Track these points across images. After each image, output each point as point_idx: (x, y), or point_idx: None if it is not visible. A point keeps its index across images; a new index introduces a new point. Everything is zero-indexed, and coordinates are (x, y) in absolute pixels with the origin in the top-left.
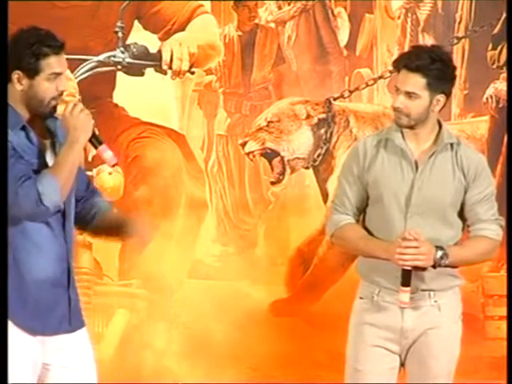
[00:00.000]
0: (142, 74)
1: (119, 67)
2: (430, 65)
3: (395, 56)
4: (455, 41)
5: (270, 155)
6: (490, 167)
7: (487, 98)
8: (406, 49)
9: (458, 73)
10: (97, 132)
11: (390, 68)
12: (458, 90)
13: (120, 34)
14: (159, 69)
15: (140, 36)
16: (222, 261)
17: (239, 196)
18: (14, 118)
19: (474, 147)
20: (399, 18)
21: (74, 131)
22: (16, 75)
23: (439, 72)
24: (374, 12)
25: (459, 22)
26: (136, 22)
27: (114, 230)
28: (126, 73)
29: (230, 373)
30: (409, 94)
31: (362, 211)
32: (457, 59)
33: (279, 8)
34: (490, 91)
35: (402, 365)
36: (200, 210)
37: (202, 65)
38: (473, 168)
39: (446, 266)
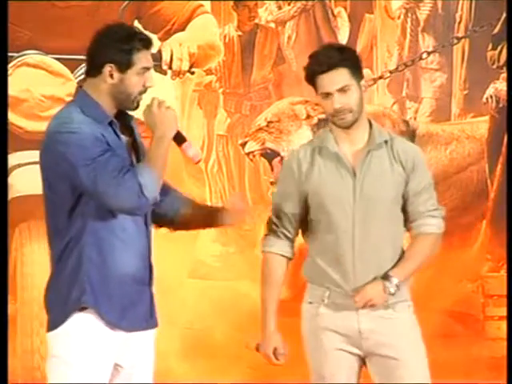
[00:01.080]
0: None
1: None
2: (342, 55)
3: (395, 56)
4: (455, 41)
5: (269, 155)
6: (491, 167)
7: (487, 98)
8: (407, 49)
9: (457, 73)
10: (179, 129)
11: (390, 68)
12: (457, 90)
13: None
14: (159, 69)
15: None
16: (222, 261)
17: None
18: (101, 113)
19: (408, 141)
20: (399, 18)
21: (161, 126)
22: (108, 68)
23: (352, 59)
24: (373, 12)
25: (459, 22)
26: (136, 22)
27: (204, 219)
28: None
29: (231, 373)
30: (342, 90)
31: (299, 224)
32: (457, 59)
33: (279, 8)
34: (489, 91)
35: (365, 364)
36: None
37: (202, 65)
38: (410, 159)
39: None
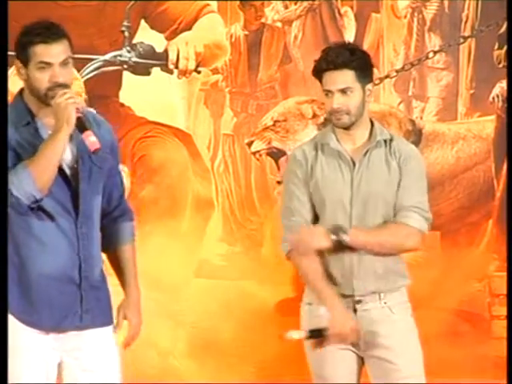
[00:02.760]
0: (149, 74)
1: (125, 66)
2: (351, 57)
3: (402, 56)
4: (461, 40)
5: (276, 154)
6: (497, 166)
7: (493, 98)
8: (413, 48)
9: (464, 72)
10: (83, 119)
11: (397, 67)
12: (464, 90)
13: (126, 34)
14: (165, 68)
15: (146, 35)
16: (228, 260)
17: (245, 195)
18: (21, 114)
19: (406, 141)
20: (406, 17)
21: (57, 120)
22: (16, 64)
23: (361, 61)
24: (380, 11)
25: (465, 22)
26: (142, 22)
27: (118, 274)
28: (132, 72)
29: (237, 372)
30: (343, 91)
31: (315, 216)
32: (463, 58)
33: (286, 7)
34: (496, 90)
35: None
36: (206, 209)
37: (208, 64)
38: (403, 156)
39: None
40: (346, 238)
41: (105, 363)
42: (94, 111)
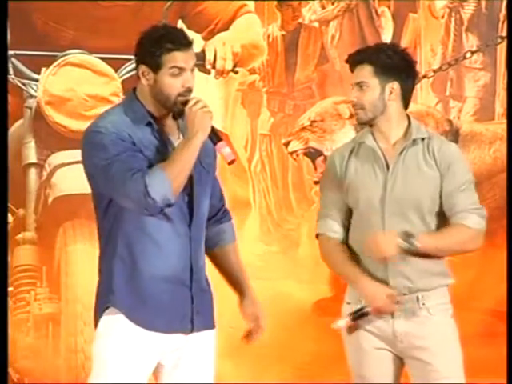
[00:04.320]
0: None
1: None
2: (376, 53)
3: (439, 56)
4: (499, 40)
5: (313, 154)
6: None
7: None
8: (450, 48)
9: (501, 72)
10: (216, 128)
11: (434, 67)
12: (501, 90)
13: None
14: (203, 68)
15: None
16: (265, 260)
17: (282, 195)
18: (140, 114)
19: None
20: (443, 17)
21: (192, 127)
22: (142, 69)
23: (386, 58)
24: (417, 11)
25: (503, 22)
26: (180, 22)
27: (225, 274)
28: None
29: (274, 372)
30: (359, 85)
31: (348, 219)
32: (500, 58)
33: (323, 7)
34: None
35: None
36: (243, 209)
37: (245, 64)
38: (446, 159)
39: (422, 256)
40: (416, 244)
41: (203, 366)
42: None
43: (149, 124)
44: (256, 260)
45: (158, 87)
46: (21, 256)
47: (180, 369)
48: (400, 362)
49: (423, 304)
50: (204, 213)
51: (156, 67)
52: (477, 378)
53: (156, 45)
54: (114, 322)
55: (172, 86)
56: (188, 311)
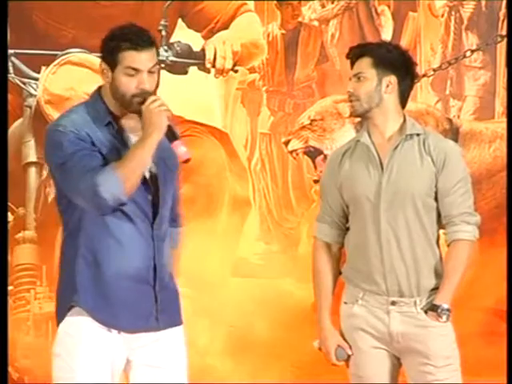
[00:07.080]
0: (186, 73)
1: (163, 65)
2: (375, 47)
3: (439, 54)
4: (499, 39)
5: (313, 153)
6: None
7: None
8: (450, 47)
9: (501, 71)
10: (173, 127)
11: (434, 66)
12: (501, 89)
13: (163, 33)
14: (203, 67)
15: (183, 34)
16: (265, 259)
17: (282, 194)
18: (101, 113)
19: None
20: (443, 16)
21: (148, 126)
22: (101, 67)
23: (386, 52)
24: (417, 10)
25: (503, 20)
26: (180, 21)
27: None
28: (169, 71)
29: (274, 371)
30: (357, 76)
31: (346, 219)
32: (500, 57)
33: (323, 6)
34: None
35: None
36: (243, 208)
37: (245, 63)
38: (442, 155)
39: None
40: (447, 307)
41: (174, 363)
42: None
43: (109, 124)
44: (256, 259)
45: (115, 85)
46: (21, 255)
47: (150, 367)
48: (397, 362)
49: (421, 308)
50: (167, 212)
51: (113, 65)
52: (477, 378)
53: (114, 42)
54: (79, 322)
55: (126, 85)
56: (153, 310)
